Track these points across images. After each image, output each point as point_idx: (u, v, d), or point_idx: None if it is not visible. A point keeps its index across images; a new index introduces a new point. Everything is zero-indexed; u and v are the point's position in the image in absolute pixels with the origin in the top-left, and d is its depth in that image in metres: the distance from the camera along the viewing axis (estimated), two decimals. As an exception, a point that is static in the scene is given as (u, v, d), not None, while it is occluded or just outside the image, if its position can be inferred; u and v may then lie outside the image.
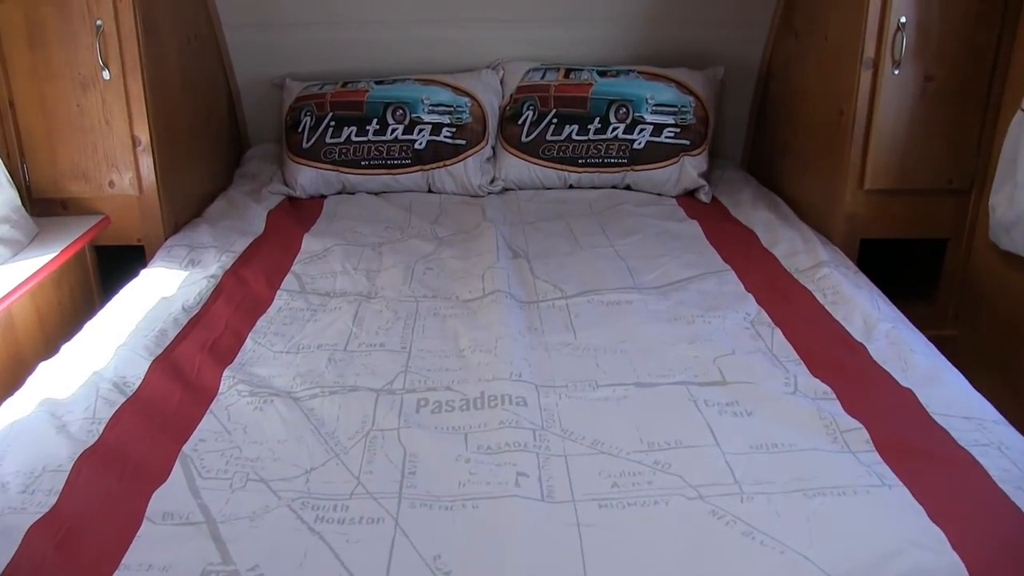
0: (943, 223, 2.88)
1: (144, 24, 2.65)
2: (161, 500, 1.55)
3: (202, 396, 1.92)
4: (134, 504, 1.54)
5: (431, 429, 1.77)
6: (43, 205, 2.77)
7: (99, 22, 2.57)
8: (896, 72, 2.67)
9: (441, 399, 1.88)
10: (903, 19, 2.62)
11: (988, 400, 1.86)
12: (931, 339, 2.19)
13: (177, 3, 3.01)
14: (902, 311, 2.35)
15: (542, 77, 3.39)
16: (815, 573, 1.34)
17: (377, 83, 3.35)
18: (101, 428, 1.76)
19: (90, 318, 2.30)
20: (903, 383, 1.92)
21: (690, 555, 1.39)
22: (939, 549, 1.39)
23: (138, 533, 1.46)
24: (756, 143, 3.71)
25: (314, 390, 1.93)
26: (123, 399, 1.87)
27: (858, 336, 2.15)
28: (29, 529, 1.45)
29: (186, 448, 1.71)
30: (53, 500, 1.53)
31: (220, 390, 1.94)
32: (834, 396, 1.88)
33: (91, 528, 1.48)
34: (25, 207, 2.66)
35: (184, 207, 3.00)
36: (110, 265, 2.89)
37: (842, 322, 2.23)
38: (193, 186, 3.12)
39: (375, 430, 1.77)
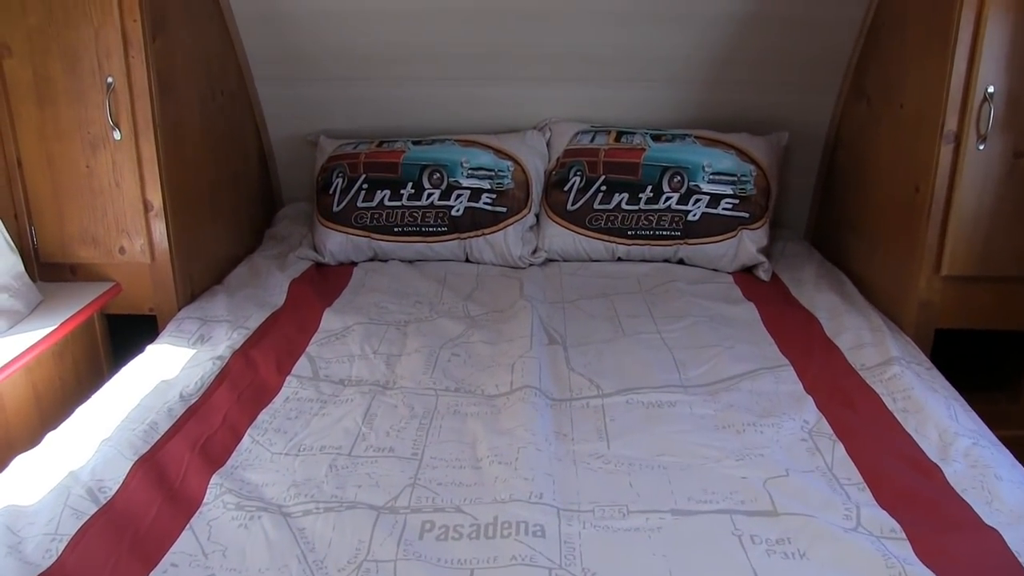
0: (1030, 314, 2.57)
1: (159, 81, 2.51)
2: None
3: (183, 507, 1.72)
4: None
5: (432, 562, 1.54)
6: (51, 270, 2.64)
7: (110, 79, 2.44)
8: (981, 147, 2.39)
9: (448, 523, 1.65)
10: (991, 88, 2.34)
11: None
12: (1011, 440, 1.90)
13: (202, 57, 2.87)
14: (982, 408, 2.06)
15: (591, 140, 3.17)
16: None
17: (415, 143, 3.17)
18: (61, 548, 1.57)
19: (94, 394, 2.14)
20: (987, 520, 1.63)
21: None
22: None
23: None
24: (821, 216, 3.43)
25: (308, 505, 1.71)
26: (95, 509, 1.68)
27: (933, 455, 1.87)
28: None
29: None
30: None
31: (204, 500, 1.74)
32: (903, 535, 1.60)
33: None
34: (32, 272, 2.53)
35: (203, 272, 2.85)
36: (124, 334, 2.74)
37: (914, 435, 1.96)
38: (214, 249, 2.97)
39: (369, 560, 1.54)
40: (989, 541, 1.57)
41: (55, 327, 2.36)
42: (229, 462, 1.88)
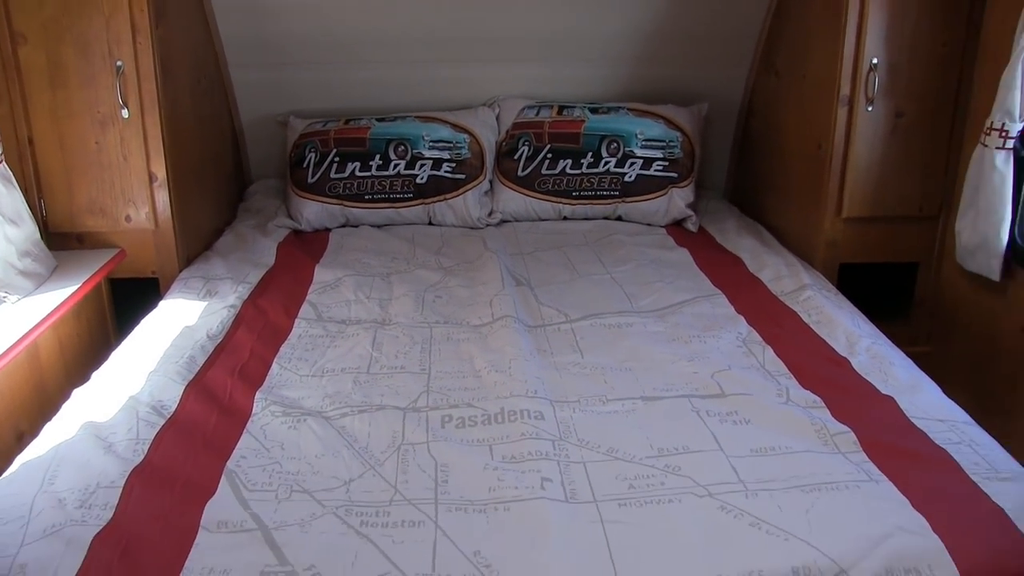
0: (915, 248, 3.09)
1: (162, 65, 2.79)
2: (213, 511, 1.68)
3: (237, 417, 2.05)
4: (188, 515, 1.67)
5: (458, 442, 1.92)
6: (59, 239, 2.88)
7: (119, 63, 2.71)
8: (870, 108, 2.88)
9: (464, 415, 2.03)
10: (875, 60, 2.83)
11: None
12: (907, 355, 2.37)
13: (190, 45, 3.16)
14: (880, 330, 2.53)
15: (536, 114, 3.56)
16: (816, 556, 1.51)
17: (379, 120, 3.51)
18: (146, 448, 1.88)
19: (107, 348, 2.41)
20: (884, 391, 2.11)
21: (705, 544, 1.56)
22: (923, 533, 1.57)
23: (195, 541, 1.59)
24: (738, 175, 3.90)
25: (343, 409, 2.07)
26: (162, 421, 1.99)
27: (842, 352, 2.33)
28: (92, 540, 1.57)
29: (230, 464, 1.84)
30: (110, 514, 1.65)
31: (254, 411, 2.07)
32: (823, 405, 2.05)
33: (150, 538, 1.60)
34: (43, 241, 2.78)
35: (195, 241, 3.13)
36: (120, 297, 3.01)
37: (827, 339, 2.41)
38: (203, 220, 3.25)
39: (406, 444, 1.91)
40: (886, 404, 2.05)
41: (77, 287, 2.62)
42: (266, 383, 2.22)
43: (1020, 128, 2.61)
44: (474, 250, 3.18)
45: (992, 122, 2.64)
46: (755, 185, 3.69)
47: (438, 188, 3.45)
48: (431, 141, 3.45)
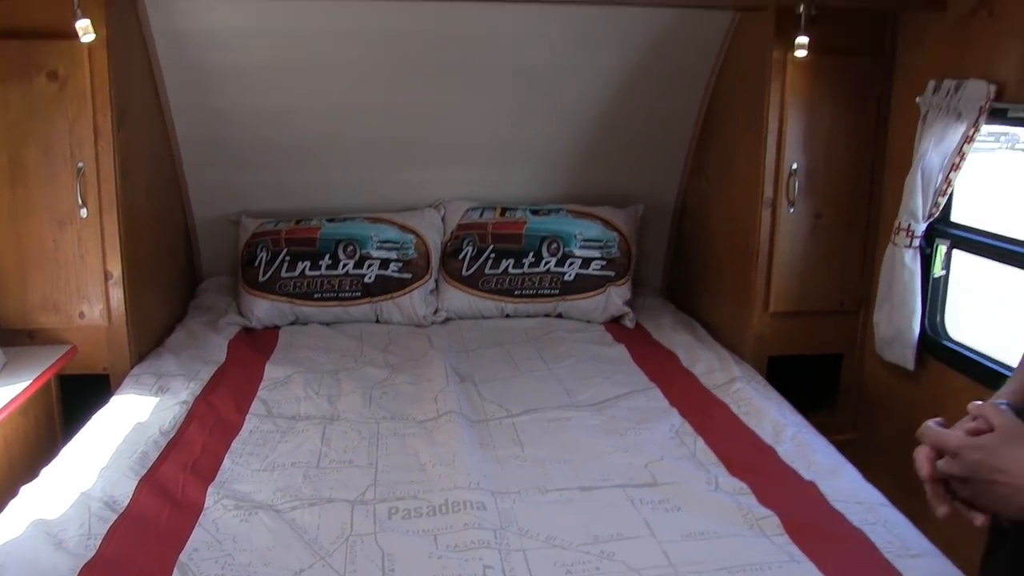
0: (839, 340, 3.30)
1: (122, 166, 2.89)
2: (167, 603, 1.74)
3: (190, 511, 2.11)
4: (143, 607, 1.72)
5: (404, 532, 2.00)
6: (9, 335, 2.91)
7: (81, 165, 2.81)
8: (791, 210, 3.10)
9: (410, 507, 2.12)
10: (795, 165, 3.06)
11: (882, 492, 2.19)
12: (833, 443, 2.52)
13: (148, 146, 3.27)
14: (807, 419, 2.68)
15: (480, 216, 3.73)
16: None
17: (329, 221, 3.65)
18: (98, 543, 1.93)
19: (53, 446, 2.44)
20: (807, 477, 2.26)
21: (638, 626, 1.65)
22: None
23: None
24: (674, 273, 4.08)
25: (294, 502, 2.14)
26: (115, 516, 2.04)
27: (768, 440, 2.48)
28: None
29: (183, 557, 1.91)
30: (63, 610, 1.70)
31: (206, 505, 2.13)
32: (750, 491, 2.19)
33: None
34: (-7, 339, 2.82)
35: (147, 337, 3.19)
36: (67, 393, 3.02)
37: (755, 429, 2.57)
38: (155, 317, 3.33)
39: (354, 535, 1.99)
40: (808, 489, 2.20)
41: (26, 384, 2.64)
42: (218, 478, 2.29)
43: (924, 228, 2.84)
44: (420, 347, 3.29)
45: (899, 223, 2.86)
46: (689, 282, 3.88)
47: (385, 287, 3.58)
48: (379, 241, 3.59)
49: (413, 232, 3.65)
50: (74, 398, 2.97)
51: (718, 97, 3.54)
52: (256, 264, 3.57)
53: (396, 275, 3.59)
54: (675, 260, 4.07)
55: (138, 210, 3.11)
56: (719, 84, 3.51)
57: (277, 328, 3.56)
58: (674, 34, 3.34)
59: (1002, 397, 1.32)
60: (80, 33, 2.57)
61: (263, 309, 3.54)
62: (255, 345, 3.31)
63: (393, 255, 3.59)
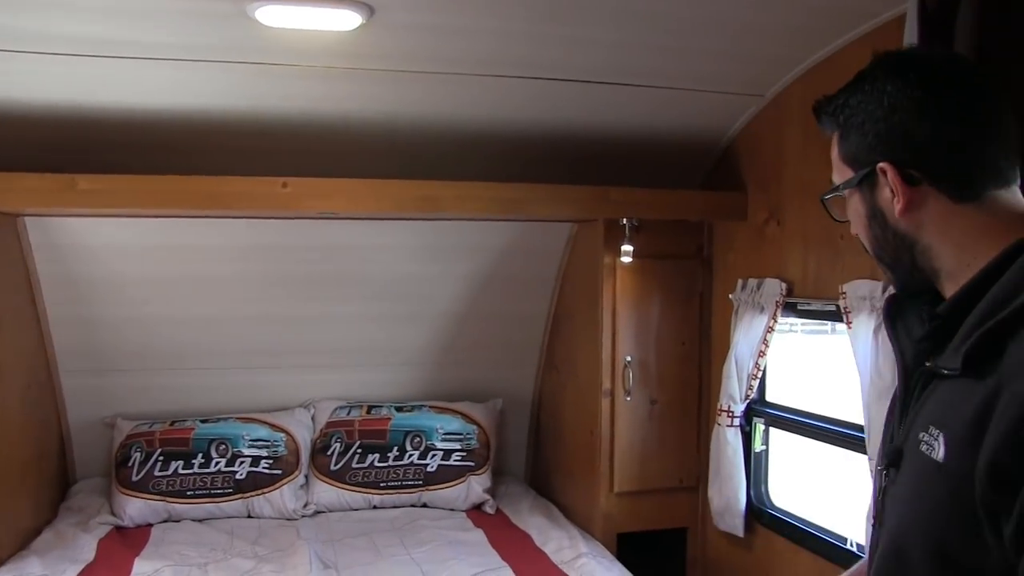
0: (682, 515, 3.58)
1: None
2: None
3: None
4: None
5: None
6: None
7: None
8: (628, 399, 3.43)
9: None
10: (628, 358, 3.41)
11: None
12: None
13: (23, 352, 3.41)
14: None
15: (348, 414, 3.96)
16: None
17: (203, 421, 3.81)
18: None
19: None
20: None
21: None
22: None
23: None
24: (535, 461, 4.34)
25: None
26: None
27: (609, 611, 2.70)
28: None
29: None
30: None
31: None
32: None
33: None
34: None
35: (10, 542, 3.21)
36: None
37: (597, 600, 2.78)
38: (21, 520, 3.36)
39: None
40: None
41: None
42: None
43: (743, 408, 3.19)
44: (288, 539, 3.43)
45: (721, 405, 3.21)
46: (548, 468, 4.14)
47: (256, 483, 3.73)
48: (250, 440, 3.77)
49: (283, 431, 3.84)
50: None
51: (564, 298, 3.93)
52: (130, 464, 3.69)
53: (267, 471, 3.75)
54: (536, 449, 4.34)
55: (10, 414, 3.23)
56: (564, 286, 3.92)
57: (150, 526, 3.64)
58: (522, 243, 3.75)
59: None
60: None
61: (136, 508, 3.63)
62: (126, 542, 3.39)
63: (264, 453, 3.76)
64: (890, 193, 1.19)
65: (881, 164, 1.19)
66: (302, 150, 3.16)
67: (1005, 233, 1.13)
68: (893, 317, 1.33)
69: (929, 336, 1.21)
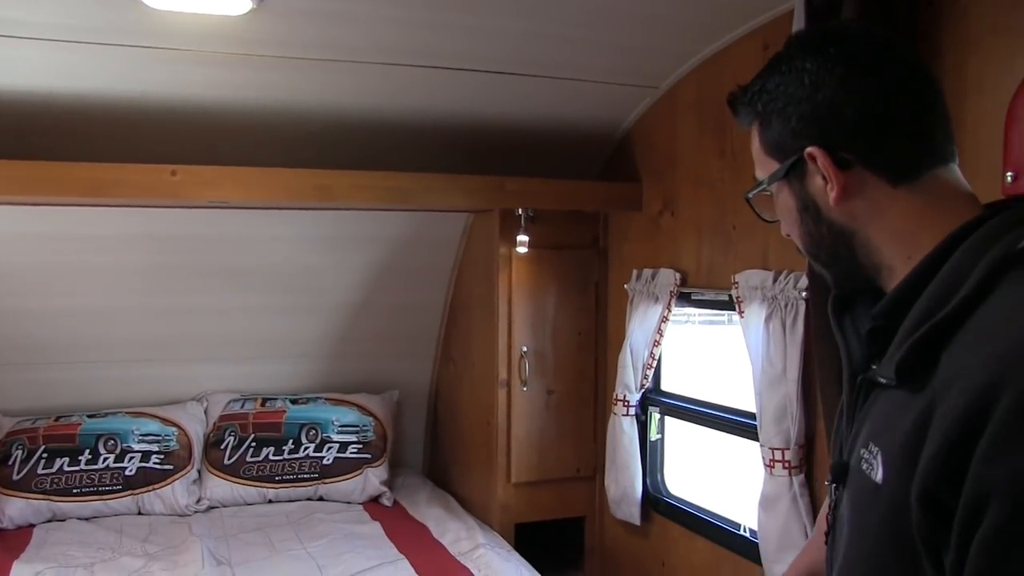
0: (580, 504, 3.61)
1: None
2: None
3: None
4: None
5: None
6: None
7: None
8: (525, 389, 3.44)
9: None
10: (524, 348, 3.42)
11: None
12: None
13: None
14: None
15: (242, 407, 3.88)
16: None
17: (90, 416, 3.69)
18: None
19: None
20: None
21: None
22: None
23: None
24: (433, 453, 4.34)
25: None
26: None
27: (503, 599, 2.71)
28: None
29: None
30: None
31: None
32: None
33: None
34: None
35: None
36: None
37: (492, 590, 2.79)
38: None
39: None
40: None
41: None
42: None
43: (638, 398, 3.24)
44: (180, 535, 3.34)
45: (617, 394, 3.26)
46: (445, 460, 4.14)
47: (147, 479, 3.62)
48: (140, 435, 3.66)
49: (175, 425, 3.74)
50: None
51: (460, 288, 3.94)
52: (10, 463, 3.54)
53: (158, 467, 3.65)
54: (433, 440, 4.33)
55: None
56: (460, 277, 3.92)
57: (32, 527, 3.50)
58: (418, 233, 3.74)
59: None
60: None
61: (16, 508, 3.49)
62: (4, 545, 3.25)
63: (155, 447, 3.66)
64: (822, 181, 1.07)
65: (809, 149, 1.07)
66: (194, 137, 3.08)
67: (948, 218, 1.02)
68: (840, 313, 1.19)
69: (871, 340, 1.10)
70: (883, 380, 1.01)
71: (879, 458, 0.98)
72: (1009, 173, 1.70)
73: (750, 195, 1.19)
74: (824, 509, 1.30)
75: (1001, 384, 0.84)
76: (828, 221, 1.09)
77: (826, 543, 1.17)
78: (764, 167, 1.15)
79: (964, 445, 0.85)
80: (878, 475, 0.97)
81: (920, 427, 0.91)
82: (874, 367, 1.06)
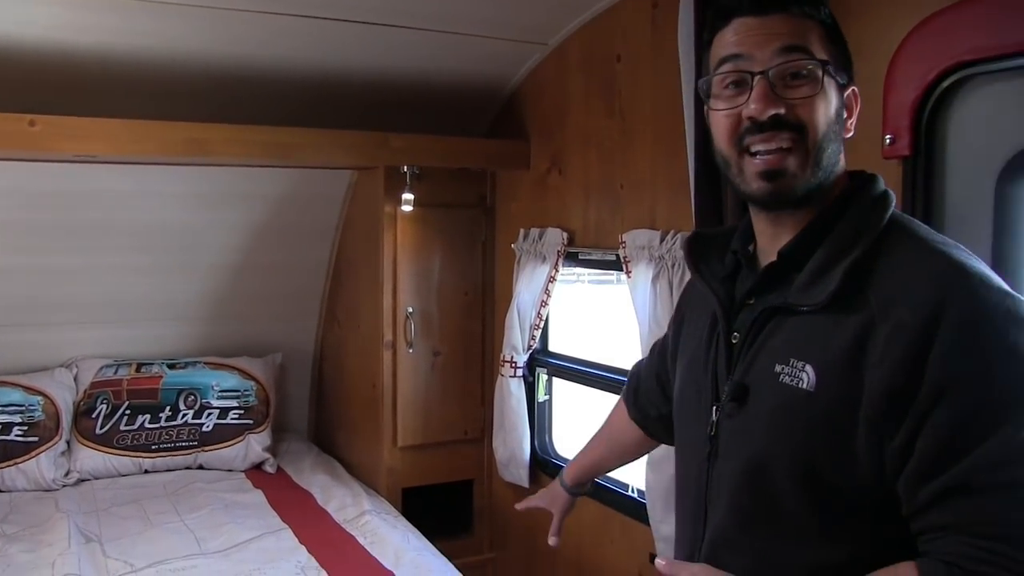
0: (468, 467, 3.57)
1: None
2: None
3: None
4: None
5: None
6: None
7: None
8: (411, 350, 3.35)
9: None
10: (410, 309, 3.33)
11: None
12: (474, 563, 2.74)
13: None
14: (449, 543, 2.89)
15: (115, 372, 3.68)
16: None
17: (-63, 387, 3.45)
18: None
19: None
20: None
21: None
22: None
23: None
24: (318, 417, 4.22)
25: None
26: None
27: (389, 566, 2.68)
28: None
29: None
30: None
31: None
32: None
33: None
34: None
35: None
36: None
37: (378, 557, 2.74)
38: None
39: None
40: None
41: None
42: None
43: (526, 359, 3.19)
44: (44, 513, 3.15)
45: (504, 355, 3.20)
46: (330, 424, 4.04)
47: (7, 453, 3.40)
48: (0, 406, 3.44)
49: (41, 393, 3.52)
50: None
51: (345, 248, 3.80)
52: None
53: (20, 439, 3.43)
54: (318, 404, 4.21)
55: None
56: (345, 236, 3.79)
57: None
58: (299, 191, 3.59)
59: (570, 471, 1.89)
60: None
61: None
62: None
63: (17, 419, 3.44)
64: (844, 112, 1.23)
65: (855, 87, 1.25)
66: (54, 85, 2.87)
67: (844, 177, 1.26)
68: (696, 257, 1.38)
69: (768, 276, 1.25)
70: (805, 307, 1.17)
71: (808, 370, 1.15)
72: (888, 136, 1.80)
73: (813, 62, 1.18)
74: (617, 411, 1.88)
75: (943, 299, 1.07)
76: (840, 140, 1.22)
77: (707, 458, 1.29)
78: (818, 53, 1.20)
79: (921, 350, 1.06)
80: (808, 383, 1.14)
81: (861, 340, 1.10)
82: (767, 298, 1.23)
